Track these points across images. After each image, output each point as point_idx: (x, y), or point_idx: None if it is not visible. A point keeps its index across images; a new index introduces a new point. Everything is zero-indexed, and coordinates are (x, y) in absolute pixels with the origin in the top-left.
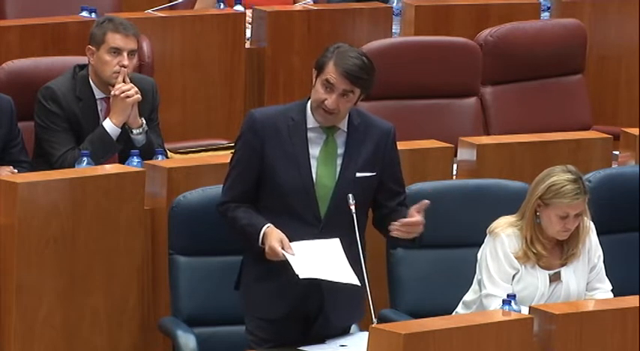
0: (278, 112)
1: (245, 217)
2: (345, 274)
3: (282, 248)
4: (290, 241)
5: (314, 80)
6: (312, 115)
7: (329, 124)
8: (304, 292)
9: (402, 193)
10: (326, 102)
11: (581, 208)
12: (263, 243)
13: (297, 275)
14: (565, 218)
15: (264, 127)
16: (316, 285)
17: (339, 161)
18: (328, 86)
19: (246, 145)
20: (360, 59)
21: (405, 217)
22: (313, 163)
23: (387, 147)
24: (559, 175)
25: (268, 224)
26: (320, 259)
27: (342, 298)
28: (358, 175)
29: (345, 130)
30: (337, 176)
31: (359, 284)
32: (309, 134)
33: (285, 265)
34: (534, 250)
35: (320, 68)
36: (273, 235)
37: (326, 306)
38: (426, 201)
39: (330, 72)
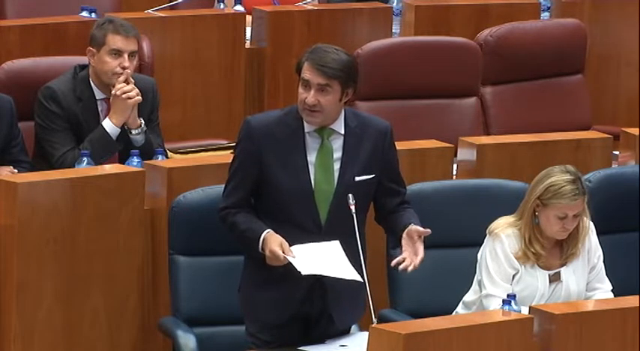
0: (274, 119)
1: (245, 222)
2: (347, 271)
3: (283, 252)
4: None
5: None
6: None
7: (318, 123)
8: (306, 297)
9: (402, 192)
10: (306, 100)
11: (579, 208)
12: (263, 248)
13: (300, 272)
14: (564, 219)
15: (260, 134)
16: (319, 289)
17: (337, 165)
18: (306, 84)
19: (243, 152)
20: (334, 53)
21: (404, 225)
22: (311, 169)
23: (384, 146)
24: (558, 176)
25: (268, 230)
26: (321, 258)
27: (345, 299)
28: (357, 179)
29: (342, 132)
30: (336, 181)
31: (361, 280)
32: (307, 140)
33: (286, 271)
34: (533, 250)
35: (298, 71)
36: (273, 240)
37: (330, 309)
38: (427, 230)
39: (305, 70)
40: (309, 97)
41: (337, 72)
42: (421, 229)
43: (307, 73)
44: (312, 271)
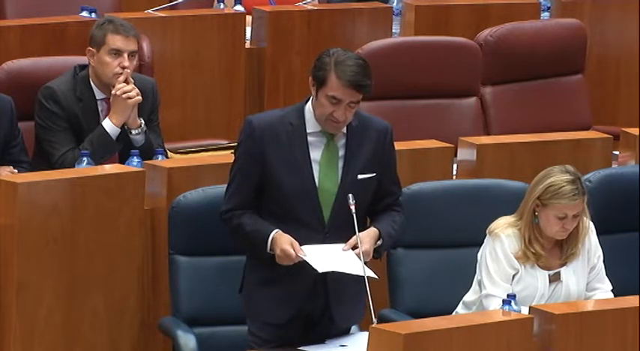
0: (276, 118)
1: (251, 223)
2: (360, 268)
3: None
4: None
5: (314, 92)
6: (314, 119)
7: (339, 131)
8: (308, 295)
9: (396, 193)
10: (334, 114)
11: (579, 208)
12: (272, 248)
13: (316, 270)
14: (563, 219)
15: (263, 134)
16: (321, 287)
17: (340, 164)
18: (336, 102)
19: (246, 152)
20: (359, 65)
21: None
22: (315, 168)
23: (385, 146)
24: (557, 176)
25: (277, 229)
26: (333, 257)
27: (347, 299)
28: (360, 177)
29: (345, 131)
30: (339, 179)
31: (377, 277)
32: (310, 138)
33: (289, 270)
34: (533, 250)
35: (321, 82)
36: (284, 240)
37: (332, 307)
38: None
39: (335, 88)
40: (339, 113)
41: (368, 87)
42: (364, 246)
43: (339, 92)
44: (328, 268)
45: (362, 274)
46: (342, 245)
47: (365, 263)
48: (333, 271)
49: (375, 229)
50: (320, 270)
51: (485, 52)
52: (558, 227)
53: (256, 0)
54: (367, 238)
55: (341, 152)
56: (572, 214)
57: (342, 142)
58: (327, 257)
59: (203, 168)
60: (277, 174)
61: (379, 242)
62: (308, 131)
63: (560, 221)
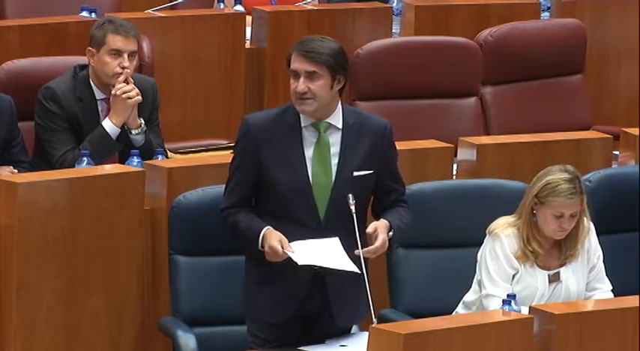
0: (272, 117)
1: (245, 221)
2: (344, 263)
3: (282, 248)
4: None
5: None
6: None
7: (312, 112)
8: (307, 295)
9: (399, 190)
10: (296, 89)
11: (576, 208)
12: (263, 246)
13: (296, 263)
14: (560, 217)
15: (259, 133)
16: (319, 286)
17: (335, 161)
18: (295, 74)
19: (242, 151)
20: (320, 41)
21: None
22: (309, 164)
23: (383, 144)
24: (555, 174)
25: (267, 226)
26: (319, 252)
27: (347, 298)
28: (356, 174)
29: (339, 127)
30: (334, 176)
31: (358, 272)
32: (304, 134)
33: (286, 269)
34: (531, 249)
35: (288, 65)
36: (272, 236)
37: (332, 307)
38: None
39: (293, 60)
40: (299, 85)
41: (323, 56)
42: (374, 244)
43: (295, 63)
44: (309, 262)
45: (345, 268)
46: (334, 239)
47: (366, 266)
48: (329, 271)
49: (386, 221)
50: (299, 263)
51: (485, 52)
52: (555, 226)
53: (256, 0)
54: (381, 228)
55: (336, 148)
56: (569, 213)
57: (337, 137)
58: (314, 252)
59: (203, 168)
60: (273, 172)
61: (390, 234)
62: (303, 125)
63: (557, 220)
